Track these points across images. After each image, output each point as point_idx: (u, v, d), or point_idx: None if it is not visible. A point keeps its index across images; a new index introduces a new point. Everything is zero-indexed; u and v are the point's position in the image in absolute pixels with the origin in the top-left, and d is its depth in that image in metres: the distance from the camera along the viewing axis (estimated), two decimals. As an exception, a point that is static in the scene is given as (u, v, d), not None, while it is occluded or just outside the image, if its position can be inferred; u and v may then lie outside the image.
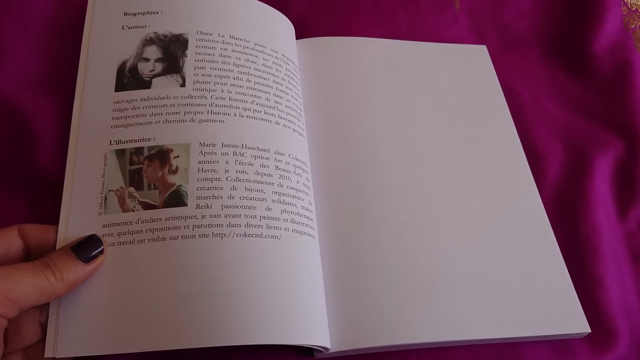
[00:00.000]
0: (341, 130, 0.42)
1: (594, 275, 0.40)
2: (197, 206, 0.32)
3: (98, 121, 0.35)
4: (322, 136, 0.41)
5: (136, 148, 0.34)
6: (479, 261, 0.38)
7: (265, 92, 0.38)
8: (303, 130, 0.40)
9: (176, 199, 0.32)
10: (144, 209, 0.32)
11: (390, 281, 0.36)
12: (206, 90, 0.36)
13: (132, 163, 0.33)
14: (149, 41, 0.38)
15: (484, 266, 0.38)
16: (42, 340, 0.29)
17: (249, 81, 0.37)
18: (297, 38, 0.45)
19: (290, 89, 0.40)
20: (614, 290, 0.40)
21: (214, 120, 0.35)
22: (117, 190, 0.33)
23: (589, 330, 0.37)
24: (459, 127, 0.45)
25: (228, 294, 0.30)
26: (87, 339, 0.29)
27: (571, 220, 0.43)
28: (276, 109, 0.38)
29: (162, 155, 0.33)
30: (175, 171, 0.33)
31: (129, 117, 0.35)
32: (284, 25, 0.43)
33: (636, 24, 0.54)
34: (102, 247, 0.30)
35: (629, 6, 0.54)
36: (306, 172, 0.37)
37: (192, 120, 0.35)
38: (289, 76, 0.40)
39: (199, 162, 0.33)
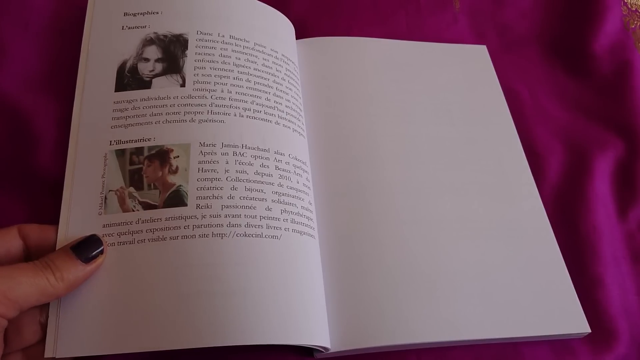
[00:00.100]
0: (341, 130, 0.42)
1: (594, 275, 0.40)
2: (197, 206, 0.32)
3: (98, 121, 0.35)
4: (322, 136, 0.41)
5: (136, 148, 0.34)
6: (479, 261, 0.38)
7: (265, 92, 0.38)
8: (303, 130, 0.40)
9: (176, 199, 0.32)
10: (144, 209, 0.32)
11: (390, 281, 0.36)
12: (206, 90, 0.36)
13: (132, 163, 0.33)
14: (149, 41, 0.38)
15: (484, 266, 0.38)
16: (42, 340, 0.29)
17: (249, 81, 0.37)
18: (297, 38, 0.45)
19: (290, 89, 0.40)
20: (614, 290, 0.40)
21: (214, 120, 0.35)
22: (117, 190, 0.33)
23: (589, 330, 0.37)
24: (459, 127, 0.45)
25: (228, 294, 0.30)
26: (87, 339, 0.29)
27: (571, 220, 0.43)
28: (276, 109, 0.38)
29: (162, 155, 0.33)
30: (175, 171, 0.33)
31: (129, 117, 0.35)
32: (284, 25, 0.43)
33: (636, 24, 0.54)
34: (102, 247, 0.30)
35: (629, 6, 0.54)
36: (306, 172, 0.37)
37: (192, 120, 0.35)
38: (289, 76, 0.40)
39: (199, 162, 0.33)
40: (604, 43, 0.52)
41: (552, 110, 0.49)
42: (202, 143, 0.34)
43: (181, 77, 0.36)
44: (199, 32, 0.38)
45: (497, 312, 0.36)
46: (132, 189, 0.33)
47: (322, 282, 0.35)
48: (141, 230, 0.31)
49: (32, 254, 0.31)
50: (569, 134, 0.48)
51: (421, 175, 0.41)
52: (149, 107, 0.35)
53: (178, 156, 0.33)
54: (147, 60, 0.37)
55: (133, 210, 0.32)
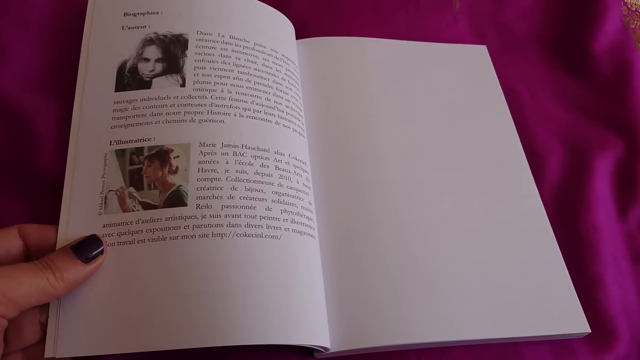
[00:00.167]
0: (341, 130, 0.42)
1: (594, 275, 0.40)
2: (197, 206, 0.32)
3: (98, 121, 0.35)
4: (322, 136, 0.41)
5: (136, 148, 0.34)
6: (479, 261, 0.38)
7: (265, 92, 0.38)
8: (303, 130, 0.40)
9: (176, 199, 0.32)
10: (144, 209, 0.32)
11: (390, 281, 0.36)
12: (206, 90, 0.36)
13: (132, 163, 0.33)
14: (149, 41, 0.38)
15: (484, 266, 0.38)
16: (42, 340, 0.29)
17: (249, 81, 0.37)
18: (297, 38, 0.45)
19: (290, 89, 0.40)
20: (614, 290, 0.40)
21: (214, 120, 0.35)
22: (117, 190, 0.33)
23: (589, 330, 0.37)
24: (459, 127, 0.45)
25: (228, 294, 0.30)
26: (87, 339, 0.29)
27: (571, 220, 0.43)
28: (276, 109, 0.38)
29: (162, 155, 0.33)
30: (175, 171, 0.33)
31: (129, 117, 0.35)
32: (284, 25, 0.43)
33: (636, 24, 0.54)
34: (102, 247, 0.30)
35: (629, 6, 0.54)
36: (306, 172, 0.37)
37: (192, 120, 0.35)
38: (289, 76, 0.40)
39: (199, 162, 0.33)
40: (604, 43, 0.52)
41: (552, 110, 0.49)
42: (202, 143, 0.34)
43: (181, 77, 0.36)
44: (199, 32, 0.38)
45: (497, 312, 0.36)
46: (132, 189, 0.33)
47: (322, 282, 0.35)
48: (141, 230, 0.31)
49: (32, 254, 0.31)
50: (569, 134, 0.48)
51: (421, 175, 0.41)
52: (149, 107, 0.35)
53: (178, 156, 0.33)
54: (147, 60, 0.37)
55: (133, 210, 0.32)
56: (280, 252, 0.32)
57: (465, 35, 0.53)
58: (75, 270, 0.29)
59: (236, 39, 0.39)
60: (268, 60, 0.39)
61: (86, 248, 0.30)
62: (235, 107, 0.36)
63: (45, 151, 0.37)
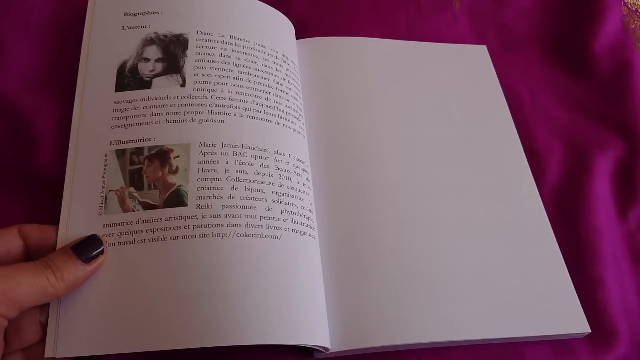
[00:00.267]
0: (341, 130, 0.42)
1: (594, 275, 0.40)
2: (197, 206, 0.32)
3: (98, 121, 0.35)
4: (322, 136, 0.41)
5: (136, 148, 0.34)
6: (478, 261, 0.38)
7: (266, 92, 0.38)
8: (303, 130, 0.40)
9: (176, 199, 0.32)
10: (144, 209, 0.32)
11: (390, 281, 0.36)
12: (206, 90, 0.36)
13: (132, 163, 0.33)
14: (149, 41, 0.38)
15: (484, 266, 0.38)
16: (42, 340, 0.29)
17: (249, 81, 0.37)
18: (297, 38, 0.45)
19: (290, 88, 0.40)
20: (614, 290, 0.40)
21: (214, 120, 0.35)
22: (118, 190, 0.33)
23: (589, 330, 0.37)
24: (459, 127, 0.45)
25: (228, 294, 0.30)
26: (87, 339, 0.29)
27: (571, 220, 0.43)
28: (276, 108, 0.38)
29: (162, 155, 0.33)
30: (175, 171, 0.33)
31: (129, 117, 0.35)
32: (284, 25, 0.43)
33: (636, 24, 0.54)
34: (102, 247, 0.30)
35: (629, 6, 0.54)
36: (306, 172, 0.37)
37: (192, 120, 0.35)
38: (289, 76, 0.40)
39: (199, 162, 0.33)
40: (604, 43, 0.52)
41: (552, 110, 0.49)
42: (202, 143, 0.34)
43: (181, 77, 0.36)
44: (199, 32, 0.38)
45: (497, 312, 0.36)
46: (132, 189, 0.33)
47: (322, 282, 0.35)
48: (141, 230, 0.31)
49: (32, 254, 0.31)
50: (569, 134, 0.48)
51: (421, 175, 0.41)
52: (149, 107, 0.35)
53: (178, 156, 0.33)
54: (147, 60, 0.37)
55: (133, 210, 0.32)
56: (280, 252, 0.32)
57: (465, 35, 0.53)
58: (76, 270, 0.29)
59: (236, 38, 0.39)
60: (268, 60, 0.39)
61: (86, 248, 0.30)
62: (236, 107, 0.36)
63: (45, 151, 0.37)
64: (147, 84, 0.36)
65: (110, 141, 0.34)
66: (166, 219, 0.31)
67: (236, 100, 0.36)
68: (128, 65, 0.37)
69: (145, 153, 0.33)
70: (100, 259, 0.30)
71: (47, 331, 0.29)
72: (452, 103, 0.46)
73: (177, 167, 0.33)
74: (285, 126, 0.37)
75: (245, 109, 0.36)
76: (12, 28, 0.41)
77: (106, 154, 0.34)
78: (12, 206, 0.36)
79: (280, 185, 0.34)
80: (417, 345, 0.35)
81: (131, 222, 0.32)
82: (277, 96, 0.38)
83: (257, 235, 0.32)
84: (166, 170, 0.33)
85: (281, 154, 0.36)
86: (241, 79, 0.37)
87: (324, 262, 0.36)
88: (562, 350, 0.37)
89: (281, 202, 0.34)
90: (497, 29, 0.54)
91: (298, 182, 0.36)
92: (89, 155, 0.34)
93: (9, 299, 0.26)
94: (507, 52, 0.53)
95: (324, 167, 0.40)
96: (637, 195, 0.45)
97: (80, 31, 0.38)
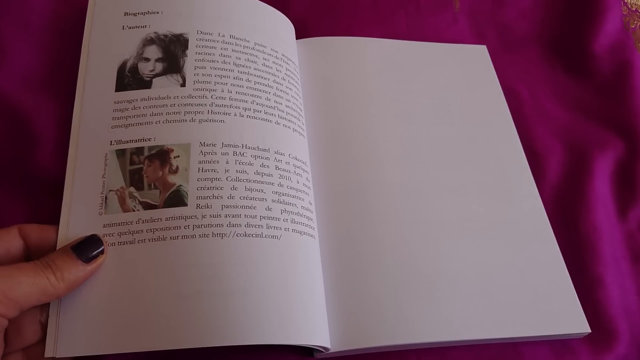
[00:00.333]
0: (341, 130, 0.42)
1: (594, 275, 0.40)
2: (197, 206, 0.32)
3: (98, 121, 0.35)
4: (322, 136, 0.41)
5: (136, 148, 0.34)
6: (478, 261, 0.38)
7: (266, 92, 0.38)
8: (303, 130, 0.40)
9: (176, 198, 0.32)
10: (144, 209, 0.32)
11: (390, 281, 0.36)
12: (206, 90, 0.36)
13: (132, 163, 0.33)
14: (149, 41, 0.38)
15: (484, 266, 0.38)
16: (43, 340, 0.29)
17: (249, 81, 0.37)
18: (297, 38, 0.45)
19: (290, 88, 0.40)
20: (614, 290, 0.40)
21: (214, 120, 0.35)
22: (118, 190, 0.33)
23: (589, 330, 0.37)
24: (459, 127, 0.45)
25: (228, 294, 0.30)
26: (87, 339, 0.29)
27: (571, 220, 0.43)
28: (276, 108, 0.38)
29: (162, 155, 0.33)
30: (175, 171, 0.33)
31: (130, 117, 0.35)
32: (284, 25, 0.43)
33: (636, 24, 0.54)
34: (102, 247, 0.30)
35: (629, 6, 0.54)
36: (306, 172, 0.37)
37: (193, 120, 0.35)
38: (289, 76, 0.40)
39: (199, 162, 0.33)
40: (604, 43, 0.52)
41: (552, 110, 0.49)
42: (202, 143, 0.34)
43: (181, 77, 0.36)
44: (199, 32, 0.38)
45: (497, 312, 0.36)
46: (132, 189, 0.33)
47: (322, 282, 0.35)
48: (141, 230, 0.31)
49: (33, 254, 0.31)
50: (569, 134, 0.48)
51: (421, 175, 0.41)
52: (149, 107, 0.35)
53: (178, 156, 0.33)
54: (147, 60, 0.37)
55: (133, 210, 0.32)
56: (280, 252, 0.32)
57: (465, 35, 0.53)
58: (76, 270, 0.29)
59: (236, 38, 0.39)
60: (268, 60, 0.39)
61: (86, 248, 0.30)
62: (236, 107, 0.36)
63: (45, 151, 0.37)
64: (147, 84, 0.36)
65: (111, 141, 0.34)
66: (166, 219, 0.32)
67: (236, 100, 0.36)
68: (128, 65, 0.37)
69: (146, 153, 0.34)
70: (100, 259, 0.30)
71: (47, 331, 0.29)
72: (452, 103, 0.46)
73: (177, 167, 0.33)
74: (286, 126, 0.37)
75: (245, 109, 0.36)
76: (12, 28, 0.41)
77: (106, 154, 0.34)
78: (12, 206, 0.36)
79: (280, 185, 0.35)
80: (417, 345, 0.35)
81: (131, 222, 0.32)
82: (277, 96, 0.38)
83: (257, 235, 0.32)
84: (166, 170, 0.33)
85: (281, 154, 0.36)
86: (241, 79, 0.37)
87: (324, 262, 0.36)
88: (562, 350, 0.37)
89: (281, 202, 0.34)
90: (497, 29, 0.54)
91: (298, 182, 0.36)
92: (89, 155, 0.34)
93: (9, 299, 0.26)
94: (507, 52, 0.53)
95: (324, 167, 0.40)
96: (637, 195, 0.45)
97: (80, 31, 0.38)
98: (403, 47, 0.49)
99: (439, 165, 0.42)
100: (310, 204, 0.36)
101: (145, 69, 0.36)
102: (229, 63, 0.38)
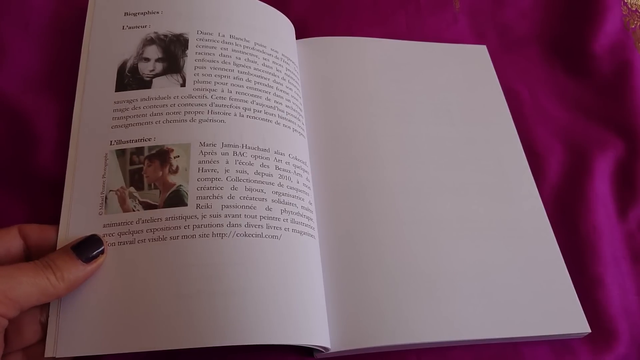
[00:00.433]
0: (341, 130, 0.42)
1: (594, 275, 0.40)
2: (197, 206, 0.32)
3: (98, 121, 0.35)
4: (322, 136, 0.41)
5: (136, 148, 0.34)
6: (478, 261, 0.38)
7: (266, 92, 0.38)
8: (303, 130, 0.40)
9: (176, 198, 0.32)
10: (145, 209, 0.32)
11: (390, 281, 0.36)
12: (206, 90, 0.36)
13: (132, 163, 0.33)
14: (149, 41, 0.38)
15: (484, 266, 0.38)
16: (43, 340, 0.29)
17: (249, 81, 0.37)
18: (297, 38, 0.45)
19: (290, 88, 0.40)
20: (614, 290, 0.40)
21: (214, 120, 0.35)
22: (118, 190, 0.33)
23: (589, 330, 0.37)
24: (459, 127, 0.45)
25: (228, 294, 0.30)
26: (87, 339, 0.29)
27: (571, 220, 0.43)
28: (276, 108, 0.38)
29: (162, 155, 0.33)
30: (175, 171, 0.33)
31: (130, 117, 0.35)
32: (284, 25, 0.43)
33: (636, 24, 0.54)
34: (102, 247, 0.30)
35: (629, 6, 0.54)
36: (306, 172, 0.37)
37: (193, 120, 0.35)
38: (289, 76, 0.40)
39: (199, 162, 0.33)
40: (604, 43, 0.52)
41: (552, 110, 0.49)
42: (203, 143, 0.34)
43: (181, 77, 0.36)
44: (199, 32, 0.38)
45: (497, 312, 0.36)
46: (132, 189, 0.33)
47: (322, 282, 0.35)
48: (141, 230, 0.31)
49: (33, 254, 0.31)
50: (569, 134, 0.48)
51: (421, 175, 0.41)
52: (149, 107, 0.35)
53: (178, 156, 0.33)
54: (147, 60, 0.37)
55: (133, 210, 0.32)
56: (280, 252, 0.32)
57: (465, 35, 0.53)
58: (76, 270, 0.29)
59: (236, 38, 0.39)
60: (268, 60, 0.39)
61: (87, 248, 0.30)
62: (236, 107, 0.36)
63: (45, 151, 0.37)
64: (147, 84, 0.36)
65: (111, 141, 0.34)
66: (166, 219, 0.32)
67: (236, 100, 0.36)
68: (128, 65, 0.37)
69: (146, 153, 0.34)
70: (100, 259, 0.30)
71: (47, 331, 0.29)
72: (452, 103, 0.46)
73: (177, 167, 0.33)
74: (286, 126, 0.37)
75: (245, 109, 0.36)
76: (12, 28, 0.41)
77: (106, 154, 0.34)
78: (12, 206, 0.36)
79: (280, 185, 0.35)
80: (417, 345, 0.35)
81: (131, 222, 0.32)
82: (277, 96, 0.38)
83: (257, 235, 0.32)
84: (166, 170, 0.33)
85: (281, 154, 0.36)
86: (241, 79, 0.37)
87: (324, 262, 0.36)
88: (562, 350, 0.37)
89: (281, 202, 0.34)
90: (497, 29, 0.54)
91: (298, 182, 0.36)
92: (89, 155, 0.34)
93: (9, 299, 0.26)
94: (507, 52, 0.53)
95: (324, 167, 0.40)
96: (637, 195, 0.45)
97: (80, 31, 0.38)
98: (403, 47, 0.49)
99: (439, 165, 0.42)
100: (310, 204, 0.36)
101: (145, 69, 0.36)
102: (229, 63, 0.38)
